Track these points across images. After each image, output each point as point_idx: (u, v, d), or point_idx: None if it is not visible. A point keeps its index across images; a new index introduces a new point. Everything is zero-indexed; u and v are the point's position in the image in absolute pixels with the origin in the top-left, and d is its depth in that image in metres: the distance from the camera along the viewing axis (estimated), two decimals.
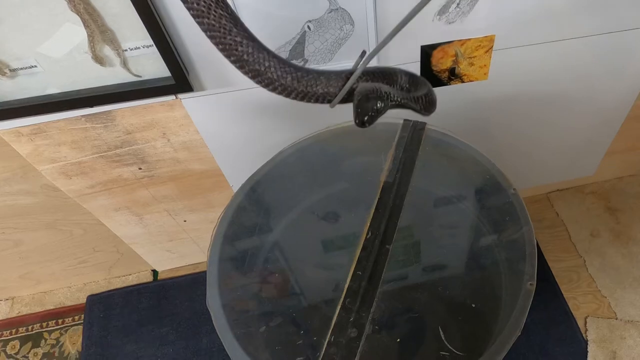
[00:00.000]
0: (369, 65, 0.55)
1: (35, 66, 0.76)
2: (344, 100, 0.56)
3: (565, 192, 1.53)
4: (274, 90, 0.54)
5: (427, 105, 0.59)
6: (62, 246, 1.32)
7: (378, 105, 0.52)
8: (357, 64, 0.56)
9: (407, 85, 0.61)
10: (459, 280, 0.80)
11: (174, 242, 1.37)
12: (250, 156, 1.05)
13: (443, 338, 0.69)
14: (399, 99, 0.55)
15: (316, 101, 0.55)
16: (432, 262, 0.84)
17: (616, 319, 1.26)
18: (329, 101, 0.56)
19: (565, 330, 1.25)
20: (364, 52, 0.56)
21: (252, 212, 0.92)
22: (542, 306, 1.28)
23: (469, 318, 0.73)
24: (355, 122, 0.52)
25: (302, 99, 0.55)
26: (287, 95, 0.55)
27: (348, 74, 0.56)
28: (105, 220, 1.22)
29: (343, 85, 0.55)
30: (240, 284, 0.84)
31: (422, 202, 0.89)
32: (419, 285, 0.80)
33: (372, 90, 0.53)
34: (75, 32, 0.74)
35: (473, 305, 0.73)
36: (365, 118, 0.52)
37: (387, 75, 0.59)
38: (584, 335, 1.23)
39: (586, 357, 1.20)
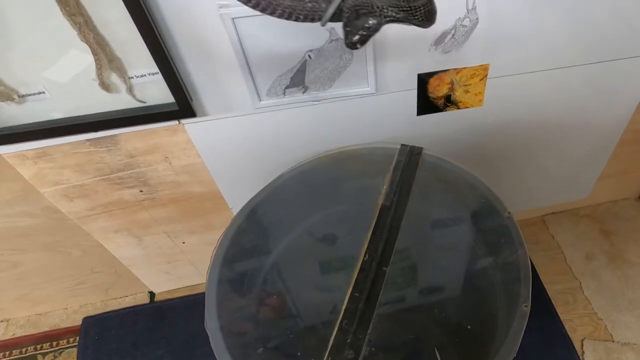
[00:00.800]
0: None
1: (44, 92, 0.79)
2: (336, 18, 0.50)
3: (560, 214, 1.55)
4: (258, 7, 0.49)
5: (427, 15, 0.51)
6: (60, 267, 1.32)
7: (370, 22, 0.46)
8: None
9: None
10: (455, 302, 0.80)
11: (172, 263, 1.38)
12: (250, 179, 1.06)
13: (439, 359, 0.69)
14: (393, 14, 0.48)
15: (305, 19, 0.49)
16: (428, 284, 0.85)
17: (613, 341, 1.26)
18: (320, 18, 0.49)
19: (563, 353, 1.25)
20: None
21: (252, 234, 0.93)
22: (539, 328, 1.29)
23: (465, 340, 0.73)
24: (345, 43, 0.47)
25: (289, 17, 0.49)
26: (273, 12, 0.49)
27: None
28: (105, 242, 1.22)
29: None
30: (239, 306, 0.85)
31: (419, 225, 0.90)
32: (416, 307, 0.80)
33: (362, 5, 0.46)
34: (81, 59, 0.76)
35: (469, 327, 0.74)
36: (355, 38, 0.46)
37: None
38: (581, 358, 1.23)
39: None
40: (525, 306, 0.67)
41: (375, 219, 0.84)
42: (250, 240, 0.93)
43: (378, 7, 0.46)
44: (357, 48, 0.47)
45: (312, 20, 0.49)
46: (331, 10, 0.47)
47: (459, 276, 0.86)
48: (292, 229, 0.96)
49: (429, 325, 0.77)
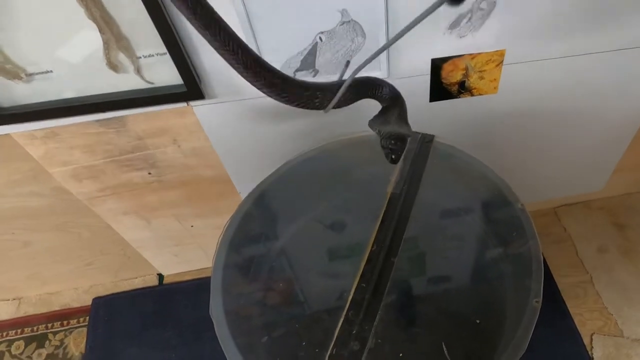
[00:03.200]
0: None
1: (51, 71, 0.78)
2: (335, 106, 0.63)
3: (573, 207, 1.52)
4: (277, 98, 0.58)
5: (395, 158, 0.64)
6: (70, 248, 1.33)
7: (399, 144, 0.63)
8: (342, 74, 0.67)
9: (387, 98, 0.70)
10: (463, 295, 0.79)
11: (181, 246, 1.38)
12: (258, 164, 1.05)
13: (446, 354, 0.68)
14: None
15: (312, 109, 0.61)
16: (437, 275, 0.83)
17: (623, 337, 1.24)
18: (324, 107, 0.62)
19: (571, 347, 1.23)
20: (347, 63, 0.68)
21: (259, 220, 0.92)
22: (548, 322, 1.27)
23: (472, 334, 0.72)
24: (387, 159, 0.63)
25: (297, 107, 0.60)
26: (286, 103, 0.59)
27: (338, 86, 0.61)
28: (114, 224, 1.23)
29: (336, 92, 0.61)
30: (244, 292, 0.84)
31: (428, 214, 0.89)
32: (423, 299, 0.79)
33: (396, 136, 0.63)
34: (91, 39, 0.75)
35: (477, 322, 0.73)
36: (393, 157, 0.63)
37: (370, 85, 0.68)
38: (589, 352, 1.22)
39: None
40: (537, 301, 0.66)
41: (384, 208, 0.82)
42: (257, 225, 0.92)
43: (405, 135, 0.65)
44: (396, 163, 0.64)
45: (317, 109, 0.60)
46: (334, 102, 0.60)
47: (468, 268, 0.85)
48: (299, 215, 0.95)
49: (436, 318, 0.76)
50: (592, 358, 1.21)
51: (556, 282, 1.35)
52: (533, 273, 0.70)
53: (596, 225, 1.47)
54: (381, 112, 0.72)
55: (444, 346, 0.69)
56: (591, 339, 1.25)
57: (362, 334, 0.65)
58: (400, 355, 0.70)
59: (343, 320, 0.67)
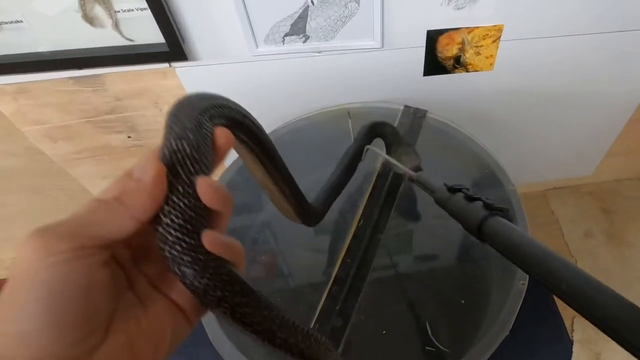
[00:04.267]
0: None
1: (21, 21, 0.73)
2: None
3: (563, 190, 1.51)
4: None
5: None
6: (46, 212, 1.29)
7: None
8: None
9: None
10: (449, 274, 0.77)
11: None
12: None
13: (429, 333, 0.67)
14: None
15: None
16: (423, 254, 0.82)
17: None
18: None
19: (552, 330, 1.24)
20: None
21: (242, 190, 0.89)
22: (530, 303, 1.27)
23: (457, 314, 0.71)
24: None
25: None
26: None
27: None
28: (92, 188, 1.19)
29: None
30: None
31: (417, 191, 0.86)
32: (409, 277, 0.77)
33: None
34: None
35: (462, 302, 0.71)
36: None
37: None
38: (570, 335, 1.22)
39: (570, 357, 1.19)
40: (522, 283, 0.64)
41: (372, 183, 0.80)
42: (240, 196, 0.89)
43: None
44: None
45: None
46: None
47: (455, 247, 0.83)
48: None
49: (421, 296, 0.74)
50: (572, 341, 1.21)
51: None
52: None
53: (584, 210, 1.47)
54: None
55: (427, 325, 0.68)
56: (572, 322, 1.25)
57: (346, 310, 0.63)
58: (384, 332, 0.69)
59: (326, 296, 0.65)
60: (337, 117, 0.92)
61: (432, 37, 0.88)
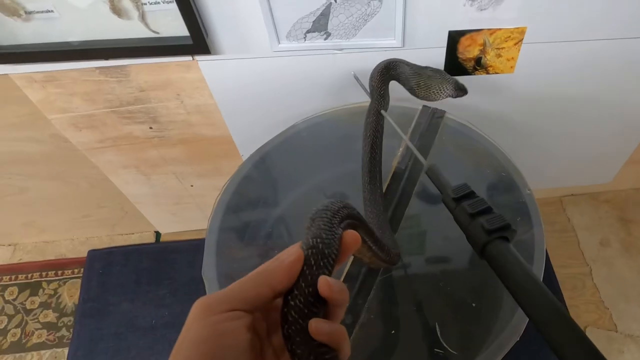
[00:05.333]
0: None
1: (52, 11, 0.75)
2: None
3: (580, 197, 1.49)
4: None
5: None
6: (67, 198, 1.32)
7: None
8: None
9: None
10: (461, 277, 0.77)
11: (179, 205, 1.37)
12: (262, 127, 1.03)
13: (439, 335, 0.67)
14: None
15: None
16: (435, 255, 0.82)
17: (616, 331, 1.23)
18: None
19: None
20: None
21: (259, 184, 0.90)
22: None
23: (467, 317, 0.71)
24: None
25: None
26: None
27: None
28: (112, 177, 1.21)
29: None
30: (239, 256, 0.83)
31: (432, 191, 0.86)
32: (420, 277, 0.78)
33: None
34: None
35: (473, 305, 0.71)
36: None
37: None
38: None
39: None
40: None
41: (387, 182, 0.80)
42: (256, 189, 0.90)
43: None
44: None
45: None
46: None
47: (468, 249, 0.83)
48: (300, 182, 0.93)
49: (432, 297, 0.74)
50: None
51: (555, 272, 1.34)
52: (535, 261, 0.68)
53: (601, 218, 1.45)
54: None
55: (437, 326, 0.68)
56: (584, 331, 1.24)
57: (355, 308, 0.64)
58: (393, 332, 0.69)
59: None
60: (356, 114, 0.92)
61: (454, 38, 0.88)
